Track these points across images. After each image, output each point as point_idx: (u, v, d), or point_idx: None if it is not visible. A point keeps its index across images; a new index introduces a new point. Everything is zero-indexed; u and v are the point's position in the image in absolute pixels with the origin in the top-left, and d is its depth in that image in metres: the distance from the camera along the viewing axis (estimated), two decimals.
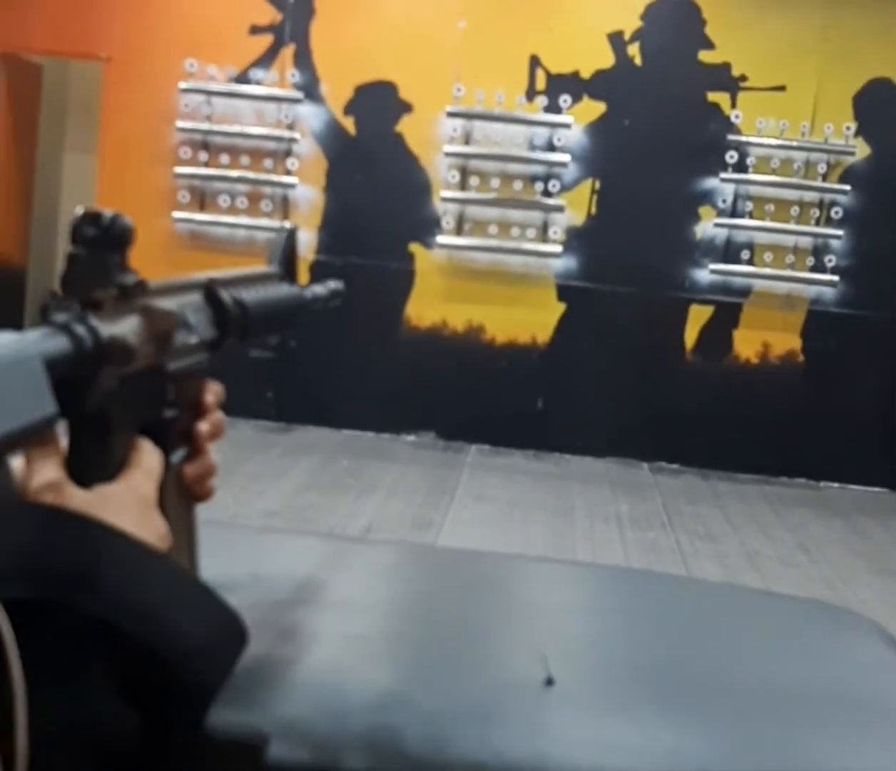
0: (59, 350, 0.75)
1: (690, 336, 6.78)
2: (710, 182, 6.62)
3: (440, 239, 6.75)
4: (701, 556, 5.11)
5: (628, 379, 6.76)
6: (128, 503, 0.84)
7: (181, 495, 0.96)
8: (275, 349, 1.58)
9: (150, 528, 0.85)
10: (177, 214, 6.72)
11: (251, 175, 6.72)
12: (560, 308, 6.82)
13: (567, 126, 6.60)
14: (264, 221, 6.71)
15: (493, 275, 6.79)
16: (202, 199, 6.79)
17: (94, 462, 0.83)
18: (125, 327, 0.82)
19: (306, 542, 1.30)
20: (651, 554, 5.03)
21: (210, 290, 1.02)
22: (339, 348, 6.82)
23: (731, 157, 6.54)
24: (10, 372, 0.68)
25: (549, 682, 1.00)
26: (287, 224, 1.36)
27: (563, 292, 6.80)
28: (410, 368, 6.86)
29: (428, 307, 6.86)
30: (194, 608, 0.80)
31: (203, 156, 6.73)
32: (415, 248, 6.81)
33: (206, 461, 0.99)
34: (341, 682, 0.95)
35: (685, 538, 5.41)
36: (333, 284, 1.43)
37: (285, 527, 4.76)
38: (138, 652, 0.73)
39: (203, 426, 0.97)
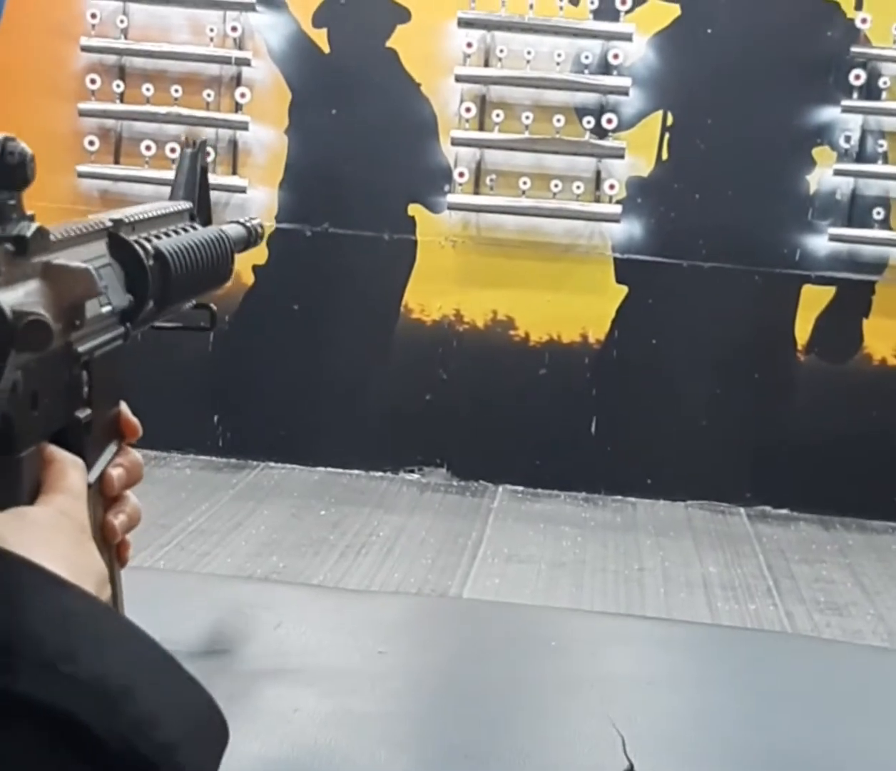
0: None
1: (803, 328, 6.80)
2: (828, 113, 6.65)
3: (451, 198, 6.80)
4: (823, 633, 5.12)
5: (717, 391, 6.79)
6: (59, 533, 0.84)
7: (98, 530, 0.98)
8: (207, 328, 1.58)
9: (89, 567, 0.86)
10: (82, 168, 6.77)
11: (185, 112, 6.76)
12: (620, 293, 6.85)
13: (627, 37, 6.64)
14: None
15: (526, 247, 6.83)
16: (117, 147, 6.84)
17: None
18: (30, 297, 0.84)
19: (288, 592, 1.33)
20: None
21: (116, 237, 1.05)
22: (310, 355, 6.85)
23: (857, 78, 6.57)
24: None
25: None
26: (193, 139, 1.38)
27: (624, 270, 6.83)
28: (412, 381, 6.89)
29: (435, 294, 6.90)
30: (166, 688, 0.78)
31: (118, 86, 6.78)
32: (416, 211, 6.85)
33: (131, 508, 1.02)
34: None
35: (799, 610, 5.42)
36: (250, 221, 1.48)
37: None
38: (106, 751, 0.71)
39: (116, 471, 1.00)
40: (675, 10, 6.65)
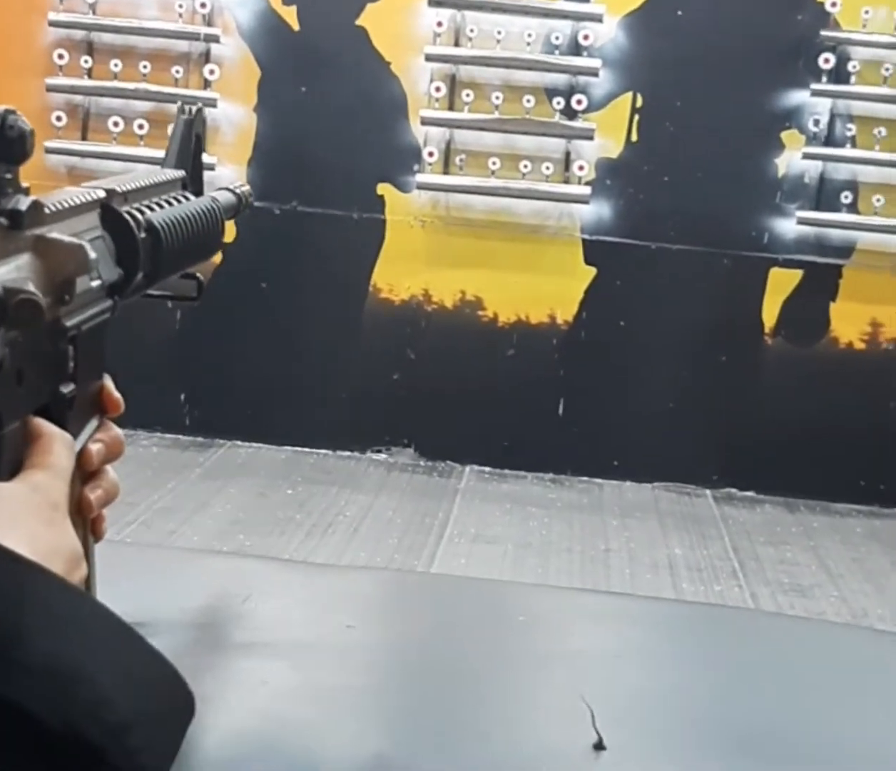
0: None
1: (770, 311, 6.83)
2: (798, 97, 6.67)
3: (420, 177, 6.79)
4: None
5: (684, 373, 6.81)
6: (28, 510, 0.84)
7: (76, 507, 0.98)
8: (194, 298, 1.59)
9: (59, 547, 0.85)
10: (49, 144, 6.73)
11: (153, 88, 6.74)
12: (588, 274, 6.87)
13: (598, 18, 6.65)
14: None
15: (495, 227, 6.83)
16: (84, 123, 6.82)
17: None
18: (21, 272, 0.84)
19: (258, 566, 1.33)
20: None
21: (109, 209, 1.05)
22: (278, 333, 6.85)
23: (827, 61, 6.59)
24: None
25: (599, 746, 1.03)
26: (189, 106, 1.36)
27: (593, 252, 6.85)
28: (380, 360, 6.89)
29: (404, 273, 6.90)
30: (124, 666, 0.77)
31: (86, 62, 6.74)
32: (385, 190, 6.85)
33: (109, 483, 1.01)
34: (322, 751, 0.98)
35: (764, 592, 5.46)
36: (240, 187, 1.48)
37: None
38: (51, 736, 0.70)
39: (95, 446, 0.99)
40: None
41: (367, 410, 6.94)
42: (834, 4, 6.56)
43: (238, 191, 1.53)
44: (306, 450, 6.88)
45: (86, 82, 6.76)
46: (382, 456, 6.93)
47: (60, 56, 6.71)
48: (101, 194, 1.05)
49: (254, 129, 6.79)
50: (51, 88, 6.73)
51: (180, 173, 1.32)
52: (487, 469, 6.88)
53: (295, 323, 6.85)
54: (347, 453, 6.91)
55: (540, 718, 1.09)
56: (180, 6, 6.72)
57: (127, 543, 1.15)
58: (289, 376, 6.90)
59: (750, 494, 6.81)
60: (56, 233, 0.89)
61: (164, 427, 6.84)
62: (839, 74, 6.61)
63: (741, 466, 6.85)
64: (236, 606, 1.28)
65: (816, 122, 6.67)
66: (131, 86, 6.73)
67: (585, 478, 6.85)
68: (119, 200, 1.07)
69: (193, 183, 1.37)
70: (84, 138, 6.81)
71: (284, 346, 6.87)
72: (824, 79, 6.61)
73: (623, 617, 1.37)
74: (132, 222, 1.07)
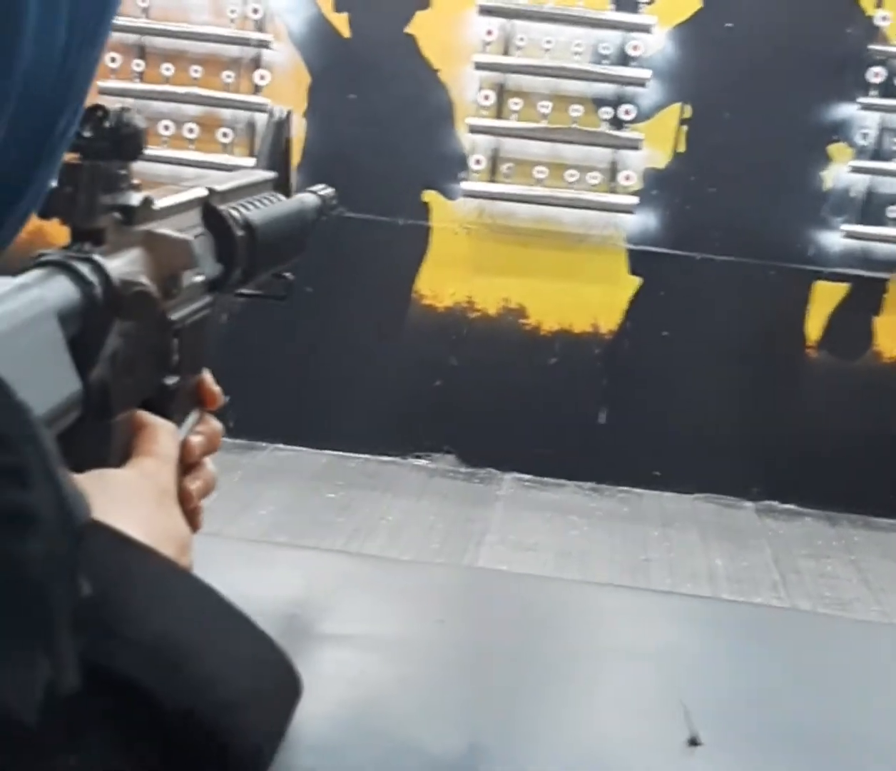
0: (67, 301, 0.78)
1: (815, 325, 6.82)
2: (846, 110, 6.66)
3: (466, 185, 6.81)
4: None
5: (727, 384, 6.80)
6: (140, 495, 0.87)
7: None
8: (283, 296, 1.61)
9: (170, 531, 0.88)
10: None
11: (204, 92, 6.78)
12: (633, 284, 6.87)
13: (647, 29, 6.65)
14: (221, 157, 6.76)
15: (540, 236, 6.84)
16: None
17: (89, 449, 0.85)
18: (134, 266, 0.86)
19: (342, 561, 1.35)
20: None
21: (210, 207, 1.07)
22: (321, 338, 6.87)
23: (876, 75, 6.58)
24: (21, 336, 0.69)
25: (694, 742, 1.05)
26: (279, 108, 1.38)
27: (638, 262, 6.85)
28: (422, 366, 6.91)
29: (448, 280, 6.91)
30: (234, 646, 0.78)
31: (138, 65, 6.79)
32: (431, 197, 6.87)
33: (208, 475, 1.04)
34: (420, 740, 1.00)
35: (804, 605, 5.45)
36: (324, 189, 1.51)
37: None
38: (166, 715, 0.70)
39: (196, 438, 1.02)
40: (696, 3, 6.65)
41: (409, 415, 6.95)
42: (884, 19, 6.55)
43: (322, 193, 1.56)
44: (348, 454, 6.90)
45: (137, 86, 6.80)
46: (423, 462, 6.94)
47: (113, 60, 6.75)
48: (203, 193, 1.07)
49: (303, 134, 6.81)
50: (103, 91, 6.75)
51: (272, 174, 1.35)
52: (528, 477, 6.88)
53: (338, 328, 6.87)
54: (388, 458, 6.92)
55: (631, 713, 1.11)
56: (232, 11, 6.76)
57: (215, 535, 1.18)
58: (331, 381, 6.92)
59: (791, 506, 6.79)
60: (165, 228, 0.91)
61: None
62: (888, 88, 6.59)
63: (783, 479, 6.83)
64: (325, 599, 1.30)
65: (865, 136, 6.66)
66: (182, 90, 6.77)
67: (626, 487, 6.84)
68: (218, 199, 1.10)
69: (283, 184, 1.39)
70: None
71: (327, 350, 6.89)
72: (873, 92, 6.60)
73: (703, 618, 1.38)
74: (231, 220, 1.09)
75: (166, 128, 6.76)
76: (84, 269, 0.79)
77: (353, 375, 6.93)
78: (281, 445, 6.93)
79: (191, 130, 6.75)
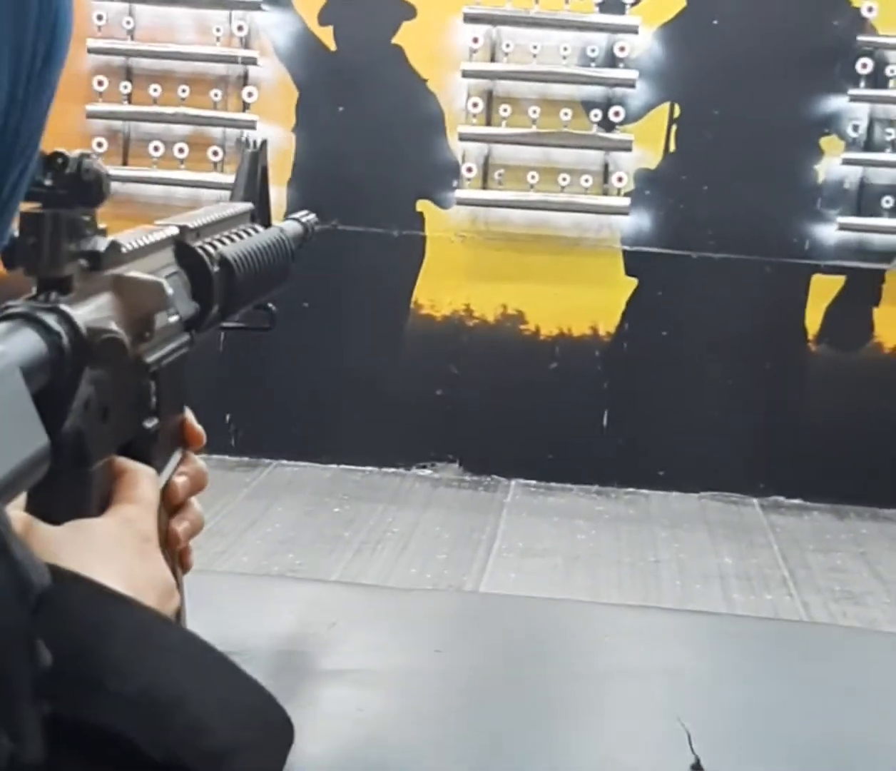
0: (33, 354, 0.76)
1: (813, 318, 6.81)
2: (836, 102, 6.66)
3: (459, 193, 6.81)
4: (839, 622, 5.12)
5: (728, 381, 6.80)
6: (121, 544, 0.86)
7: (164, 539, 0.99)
8: (267, 328, 1.61)
9: (152, 579, 0.87)
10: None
11: (192, 112, 6.78)
12: (629, 285, 6.86)
13: (633, 30, 6.65)
14: (212, 176, 6.76)
15: (535, 241, 6.84)
16: (125, 148, 6.86)
17: (67, 499, 0.85)
18: (103, 312, 0.85)
19: (341, 592, 1.34)
20: None
21: (183, 245, 1.06)
22: (321, 352, 6.86)
23: (864, 66, 6.57)
24: None
25: (697, 767, 1.04)
26: (253, 137, 1.37)
27: (634, 263, 6.84)
28: (423, 377, 6.90)
29: (445, 289, 6.91)
30: (221, 693, 0.77)
31: (125, 87, 6.78)
32: (424, 206, 6.86)
33: (194, 515, 1.03)
34: None
35: (816, 600, 5.44)
36: (306, 216, 1.50)
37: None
38: (151, 765, 0.70)
39: (180, 479, 1.01)
40: (681, 2, 6.66)
41: (412, 426, 6.95)
42: (871, 10, 6.54)
43: (304, 220, 1.55)
44: (352, 467, 6.90)
45: (125, 108, 6.80)
46: (428, 472, 6.93)
47: (100, 83, 6.76)
48: (175, 231, 1.06)
49: (293, 149, 6.82)
50: (91, 115, 6.77)
51: (248, 206, 1.33)
52: (533, 483, 6.87)
53: (337, 341, 6.86)
54: (393, 470, 6.91)
55: (634, 737, 1.10)
56: (217, 30, 6.76)
57: (213, 571, 1.18)
58: (332, 395, 6.92)
59: (797, 501, 6.78)
60: (134, 271, 0.90)
61: (210, 448, 6.77)
62: (877, 79, 6.59)
63: (788, 474, 6.82)
64: (323, 633, 1.29)
65: (855, 128, 6.65)
66: (170, 110, 6.77)
67: (632, 489, 6.83)
68: (192, 236, 1.09)
69: (261, 214, 1.38)
70: (125, 163, 6.84)
71: (327, 365, 6.88)
72: (862, 84, 6.59)
73: (709, 635, 1.37)
74: (206, 257, 1.08)
75: (156, 149, 6.75)
76: (50, 319, 0.78)
77: (355, 389, 6.92)
78: (284, 461, 6.92)
79: (181, 150, 6.75)
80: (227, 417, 6.93)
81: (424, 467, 6.96)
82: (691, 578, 5.62)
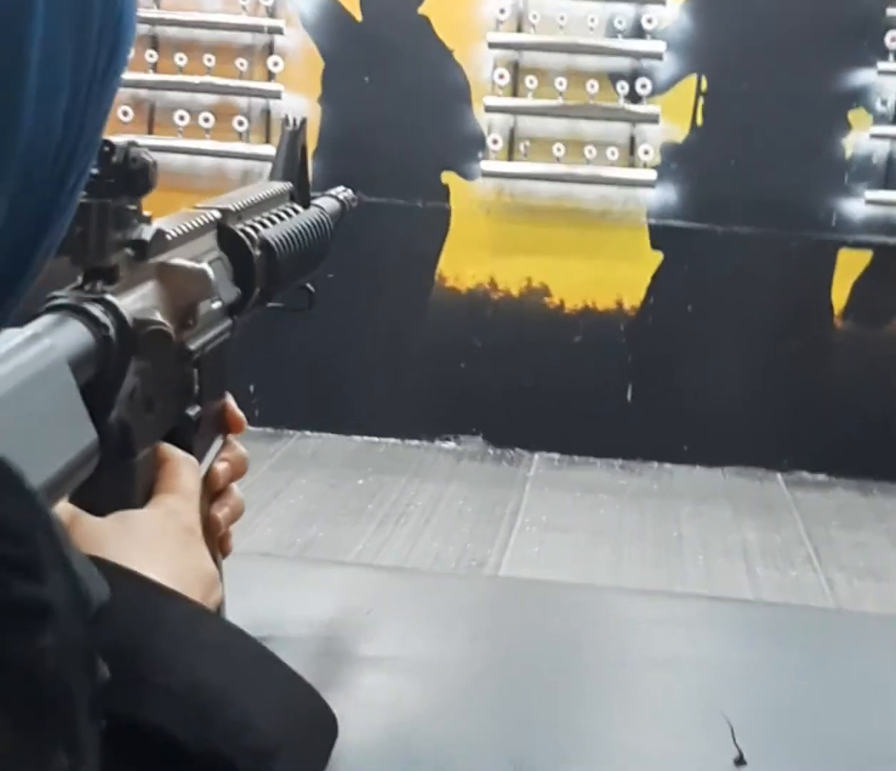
0: (81, 346, 0.76)
1: (840, 294, 6.79)
2: (864, 76, 6.62)
3: (485, 165, 6.79)
4: (863, 600, 5.12)
5: (753, 356, 6.78)
6: (165, 536, 0.86)
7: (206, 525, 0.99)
8: (306, 308, 1.60)
9: (196, 570, 0.86)
10: (116, 139, 6.76)
11: (218, 81, 6.77)
12: (655, 259, 6.84)
13: (661, 1, 6.62)
14: (238, 146, 6.76)
15: (560, 214, 6.82)
16: (150, 118, 6.85)
17: (112, 489, 0.85)
18: (148, 301, 0.84)
19: (377, 577, 1.34)
20: (792, 599, 5.04)
21: (225, 228, 1.06)
22: (345, 324, 6.86)
23: (894, 40, 6.53)
24: (32, 391, 0.66)
25: (740, 760, 1.03)
26: (293, 117, 1.36)
27: (659, 236, 6.82)
28: (447, 349, 6.90)
29: (469, 262, 6.90)
30: (265, 690, 0.78)
31: (150, 56, 6.78)
32: (449, 178, 6.85)
33: (234, 501, 1.03)
34: (463, 768, 0.99)
35: (840, 577, 5.42)
36: (343, 192, 1.49)
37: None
38: (195, 762, 0.70)
39: (221, 465, 1.01)
40: None
41: (435, 399, 6.95)
42: None
43: (341, 196, 1.54)
44: (375, 439, 6.90)
45: (151, 76, 6.79)
46: (451, 445, 6.94)
47: None
48: (217, 215, 1.05)
49: (318, 120, 6.79)
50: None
51: (288, 186, 1.33)
52: (556, 456, 6.87)
53: (362, 313, 6.86)
54: (416, 442, 6.92)
55: (674, 729, 1.09)
56: None
57: (250, 554, 1.17)
58: (356, 366, 6.92)
59: (822, 477, 6.76)
60: (178, 259, 0.90)
61: None
62: None
63: (812, 449, 6.80)
64: (360, 619, 1.28)
65: (884, 102, 6.61)
66: (196, 79, 6.76)
67: (655, 463, 6.82)
68: (233, 219, 1.08)
69: (300, 194, 1.38)
70: (150, 132, 6.83)
71: (351, 336, 6.89)
72: (891, 57, 6.55)
73: (743, 623, 1.36)
74: (247, 241, 1.08)
75: (181, 118, 6.75)
76: (96, 310, 0.78)
77: (378, 361, 6.93)
78: (308, 433, 6.94)
79: (206, 120, 6.73)
80: (251, 388, 6.94)
81: (448, 440, 6.96)
82: (714, 553, 5.61)
